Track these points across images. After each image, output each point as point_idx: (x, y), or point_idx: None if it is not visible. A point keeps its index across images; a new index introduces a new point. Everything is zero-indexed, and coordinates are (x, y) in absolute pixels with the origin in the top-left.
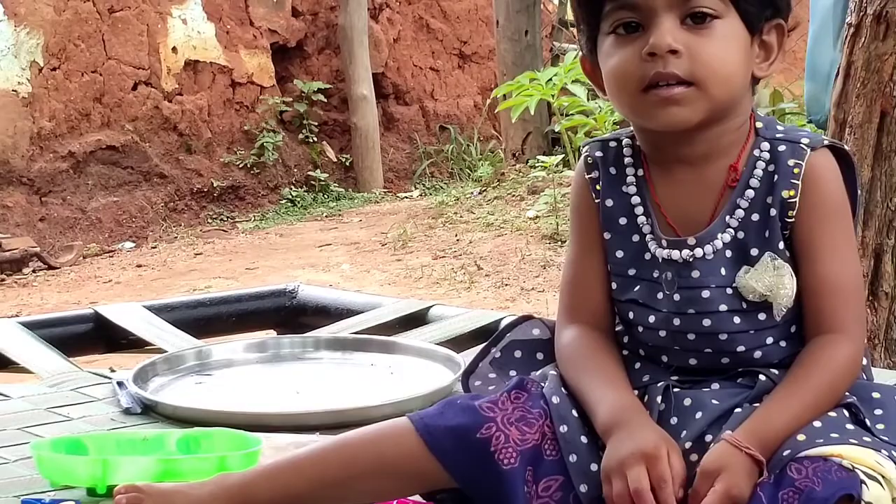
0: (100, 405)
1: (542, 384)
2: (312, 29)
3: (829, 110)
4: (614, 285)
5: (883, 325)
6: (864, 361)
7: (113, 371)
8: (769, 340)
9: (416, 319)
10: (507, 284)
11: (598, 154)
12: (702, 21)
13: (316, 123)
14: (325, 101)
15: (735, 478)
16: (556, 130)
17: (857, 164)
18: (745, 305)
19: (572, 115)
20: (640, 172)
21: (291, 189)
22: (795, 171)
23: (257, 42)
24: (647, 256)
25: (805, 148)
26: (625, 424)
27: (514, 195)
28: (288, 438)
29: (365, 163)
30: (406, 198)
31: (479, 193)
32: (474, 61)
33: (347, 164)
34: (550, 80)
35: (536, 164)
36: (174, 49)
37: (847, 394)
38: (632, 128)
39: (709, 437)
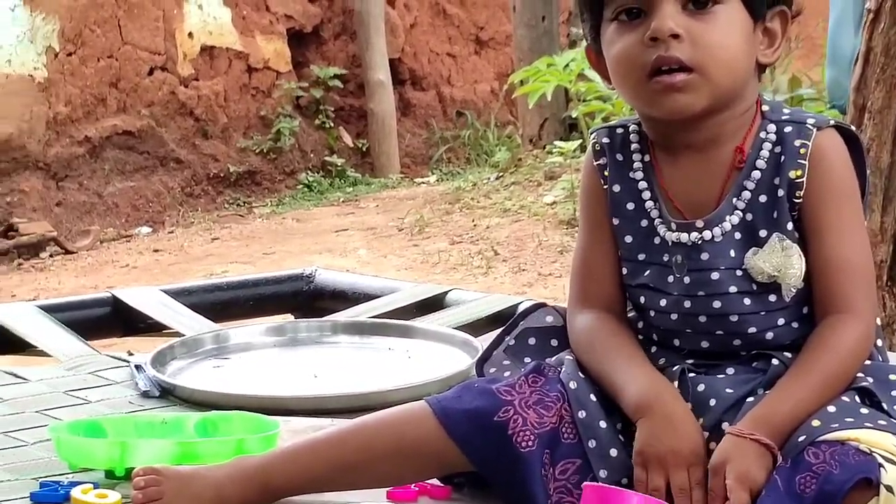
0: (118, 388)
1: (559, 369)
2: (329, 14)
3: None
4: (625, 270)
5: None
6: (880, 343)
7: (131, 354)
8: (780, 322)
9: (434, 304)
10: (524, 270)
11: (606, 140)
12: (703, 6)
13: (332, 109)
14: (342, 86)
15: (743, 465)
16: (574, 116)
17: (876, 149)
18: (754, 287)
19: (589, 100)
20: (647, 158)
21: (308, 174)
22: (802, 151)
23: (273, 28)
24: (657, 241)
25: (811, 128)
26: (661, 408)
27: (531, 181)
28: (306, 422)
29: (382, 148)
30: (423, 183)
31: (496, 179)
32: (491, 47)
33: (364, 149)
34: (567, 65)
35: (553, 150)
36: (190, 34)
37: (861, 375)
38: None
39: (725, 426)
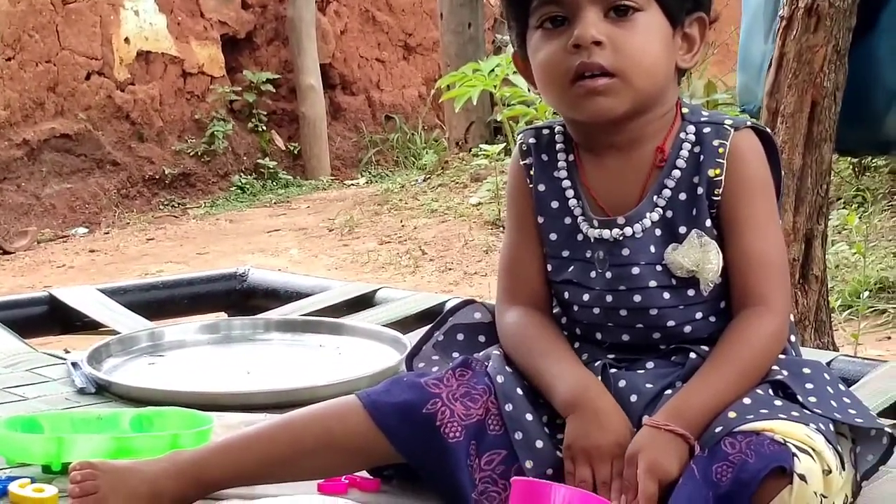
0: (55, 385)
1: (487, 363)
2: (262, 21)
3: (762, 100)
4: (550, 267)
5: (813, 307)
6: (794, 339)
7: (67, 352)
8: (698, 315)
9: (364, 302)
10: (450, 269)
11: (532, 141)
12: (624, 14)
13: (265, 113)
14: (274, 91)
15: (654, 454)
16: (498, 120)
17: (789, 151)
18: (673, 281)
19: (514, 104)
20: (571, 158)
21: (241, 176)
22: (720, 150)
23: (208, 33)
24: (580, 237)
25: (729, 128)
26: (590, 403)
27: (457, 182)
28: (239, 417)
29: (313, 151)
30: (353, 185)
31: (424, 181)
32: (419, 53)
33: (296, 152)
34: (492, 70)
35: (479, 153)
36: (126, 40)
37: (776, 368)
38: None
39: (646, 419)
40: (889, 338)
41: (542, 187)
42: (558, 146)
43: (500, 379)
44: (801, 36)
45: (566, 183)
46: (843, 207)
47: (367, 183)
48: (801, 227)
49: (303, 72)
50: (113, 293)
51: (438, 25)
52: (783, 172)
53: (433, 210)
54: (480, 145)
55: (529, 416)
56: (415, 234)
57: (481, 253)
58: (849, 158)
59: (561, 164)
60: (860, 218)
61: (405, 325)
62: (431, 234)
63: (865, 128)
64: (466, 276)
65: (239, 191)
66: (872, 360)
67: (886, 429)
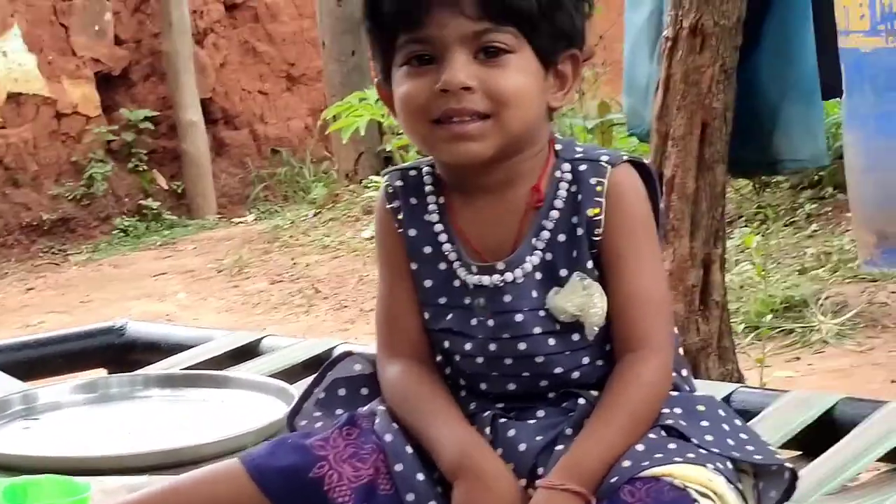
0: None
1: (374, 419)
2: (137, 56)
3: (650, 122)
4: (426, 315)
5: (715, 333)
6: (685, 373)
7: None
8: (585, 360)
9: (248, 352)
10: (346, 306)
11: (399, 183)
12: (495, 55)
13: (145, 151)
14: (154, 128)
15: None
16: (388, 149)
17: (681, 175)
18: (558, 327)
19: (402, 134)
20: (442, 200)
21: (123, 219)
22: (598, 188)
23: (80, 72)
24: (457, 283)
25: (605, 165)
26: (475, 467)
27: (349, 216)
28: (119, 481)
29: (197, 189)
30: (241, 223)
31: (314, 215)
32: (303, 83)
33: (179, 191)
34: (378, 100)
35: (370, 184)
36: None
37: (667, 411)
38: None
39: (541, 470)
40: (798, 358)
41: (412, 232)
42: (427, 188)
43: (388, 438)
44: (686, 56)
45: (438, 227)
46: (745, 225)
47: (255, 220)
48: (699, 253)
49: (182, 107)
50: None
51: (321, 54)
52: (676, 197)
53: (325, 245)
54: (371, 177)
55: (421, 476)
56: (307, 271)
57: (376, 288)
58: None
59: (431, 206)
60: (762, 235)
61: (292, 374)
62: (324, 270)
63: (754, 148)
64: (363, 313)
65: (122, 234)
66: (774, 390)
67: (787, 464)
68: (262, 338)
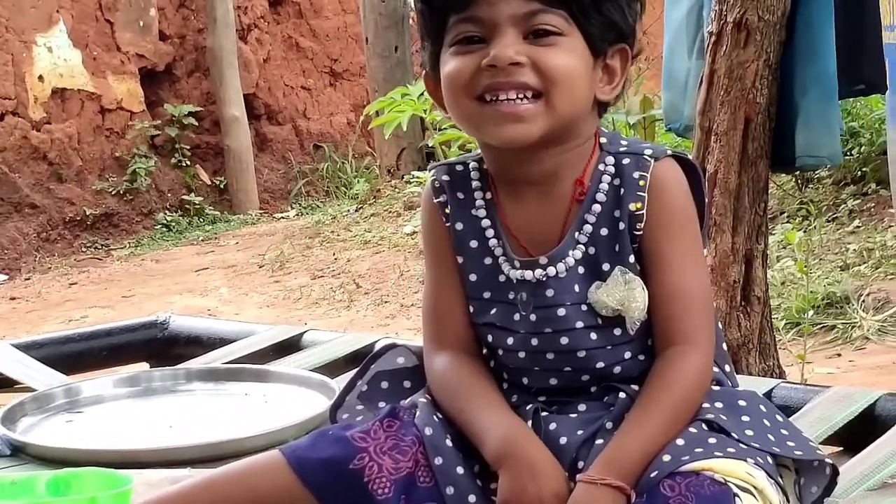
0: None
1: (414, 412)
2: (181, 52)
3: (688, 118)
4: (472, 308)
5: (756, 329)
6: (728, 369)
7: None
8: (627, 355)
9: (290, 346)
10: (386, 302)
11: (445, 178)
12: (545, 37)
13: (188, 147)
14: (197, 124)
15: None
16: (430, 145)
17: (724, 170)
18: (600, 321)
19: (445, 129)
20: (489, 195)
21: (166, 214)
22: (641, 182)
23: (125, 67)
24: (502, 278)
25: (648, 159)
26: (521, 454)
27: (390, 211)
28: (162, 474)
29: (239, 184)
30: (282, 218)
31: (356, 211)
32: (345, 79)
33: (222, 186)
34: (422, 94)
35: (412, 180)
36: (40, 77)
37: (707, 405)
38: (479, 150)
39: (581, 464)
40: (839, 354)
41: (459, 226)
42: (474, 183)
43: (428, 431)
44: (731, 51)
45: (486, 222)
46: (787, 221)
47: (297, 215)
48: (741, 248)
49: (226, 103)
50: (27, 348)
51: (364, 50)
52: (719, 192)
53: (366, 241)
54: (413, 172)
55: (460, 469)
56: (348, 266)
57: (417, 284)
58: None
59: (479, 201)
60: (804, 231)
61: (334, 368)
62: (365, 266)
63: (778, 144)
64: (403, 308)
65: (164, 229)
66: (815, 385)
67: (827, 459)
68: (303, 332)
